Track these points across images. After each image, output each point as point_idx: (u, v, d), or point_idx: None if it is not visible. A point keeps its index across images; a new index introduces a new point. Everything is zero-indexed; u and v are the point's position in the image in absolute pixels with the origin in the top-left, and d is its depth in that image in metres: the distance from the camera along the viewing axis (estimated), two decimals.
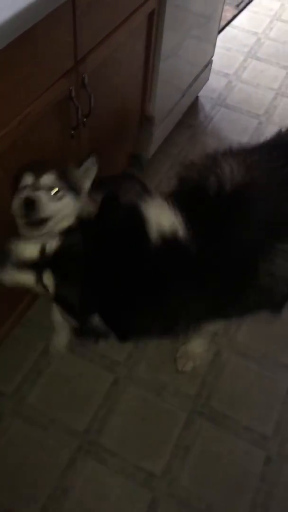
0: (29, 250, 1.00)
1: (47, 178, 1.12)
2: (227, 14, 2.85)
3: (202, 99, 2.38)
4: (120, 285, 0.97)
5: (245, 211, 1.02)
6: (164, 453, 1.37)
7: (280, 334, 1.63)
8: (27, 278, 1.00)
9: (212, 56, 2.24)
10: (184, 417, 1.43)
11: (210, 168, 1.09)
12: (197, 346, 1.53)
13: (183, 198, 1.07)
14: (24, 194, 1.11)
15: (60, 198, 1.14)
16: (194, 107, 2.32)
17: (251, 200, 1.03)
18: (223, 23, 2.72)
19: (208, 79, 2.32)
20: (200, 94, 2.35)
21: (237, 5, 2.96)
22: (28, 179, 1.12)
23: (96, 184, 1.23)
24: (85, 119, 1.27)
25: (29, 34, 0.94)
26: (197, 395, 1.48)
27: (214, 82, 2.44)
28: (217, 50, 2.27)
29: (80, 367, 1.51)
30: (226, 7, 2.66)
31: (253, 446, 1.40)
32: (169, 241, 0.99)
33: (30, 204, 1.10)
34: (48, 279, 0.99)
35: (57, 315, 1.42)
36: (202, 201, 1.04)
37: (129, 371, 1.51)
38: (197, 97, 2.34)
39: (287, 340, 1.62)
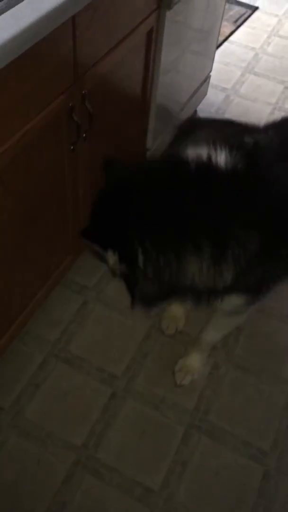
0: None
1: None
2: (225, 30, 2.89)
3: (200, 113, 2.40)
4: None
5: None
6: (161, 468, 1.37)
7: (278, 347, 1.63)
8: None
9: (210, 71, 2.27)
10: (182, 432, 1.43)
11: (236, 134, 1.10)
12: (196, 359, 1.53)
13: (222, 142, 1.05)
14: None
15: None
16: None
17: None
18: (221, 38, 2.75)
19: (206, 93, 2.34)
20: (199, 108, 2.37)
21: (235, 21, 3.00)
22: None
23: None
24: (84, 134, 1.28)
25: (29, 52, 0.95)
26: (195, 409, 1.47)
27: (212, 97, 2.47)
28: (215, 65, 2.30)
29: (78, 381, 1.50)
30: (224, 23, 2.70)
31: (251, 461, 1.39)
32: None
33: None
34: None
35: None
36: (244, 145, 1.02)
37: (127, 384, 1.51)
38: (195, 111, 2.36)
39: (285, 353, 1.62)
